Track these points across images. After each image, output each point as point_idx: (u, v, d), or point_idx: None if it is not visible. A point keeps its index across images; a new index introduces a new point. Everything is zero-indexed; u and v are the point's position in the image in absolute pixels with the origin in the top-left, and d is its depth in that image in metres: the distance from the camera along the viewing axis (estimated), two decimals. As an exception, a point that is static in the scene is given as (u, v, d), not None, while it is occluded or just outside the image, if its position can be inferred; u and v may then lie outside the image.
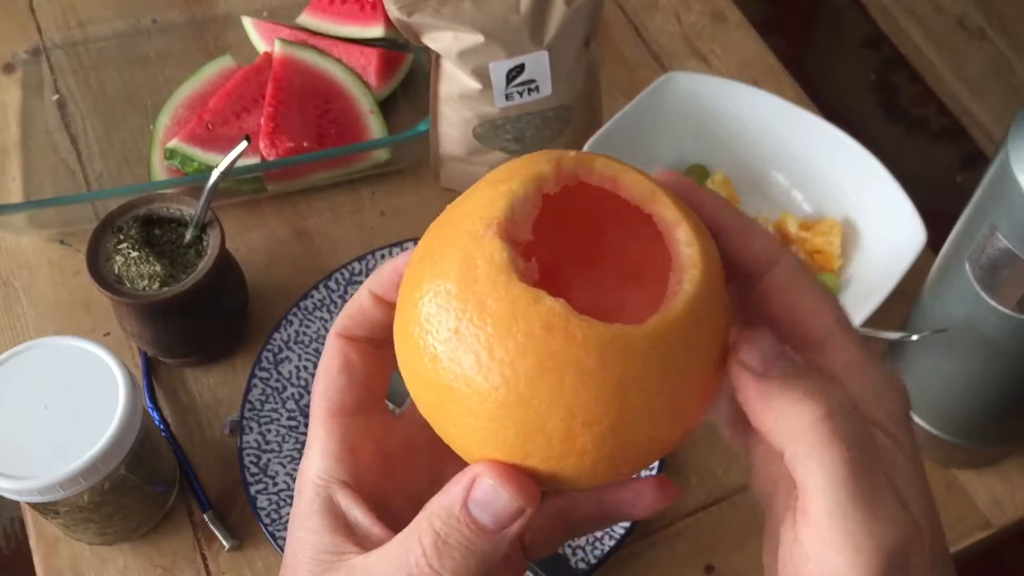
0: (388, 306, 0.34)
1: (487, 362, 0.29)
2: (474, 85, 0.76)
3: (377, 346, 0.36)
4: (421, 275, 0.31)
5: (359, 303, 0.35)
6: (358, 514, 0.33)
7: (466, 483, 0.30)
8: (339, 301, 0.76)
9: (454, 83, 0.77)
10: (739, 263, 0.33)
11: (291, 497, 0.68)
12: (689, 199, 0.33)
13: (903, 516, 0.29)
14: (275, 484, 0.69)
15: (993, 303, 0.58)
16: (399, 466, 0.36)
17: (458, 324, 0.29)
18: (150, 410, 0.73)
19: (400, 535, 0.31)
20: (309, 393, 0.73)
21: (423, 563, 0.30)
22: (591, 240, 0.37)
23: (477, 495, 0.29)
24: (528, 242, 0.31)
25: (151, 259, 0.69)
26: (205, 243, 0.70)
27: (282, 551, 0.66)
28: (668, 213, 0.32)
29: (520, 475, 0.29)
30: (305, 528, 0.33)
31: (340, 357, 0.35)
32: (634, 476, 0.35)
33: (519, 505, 0.29)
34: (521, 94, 0.77)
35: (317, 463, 0.34)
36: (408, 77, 0.90)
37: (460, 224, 0.31)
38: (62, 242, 0.82)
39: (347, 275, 0.77)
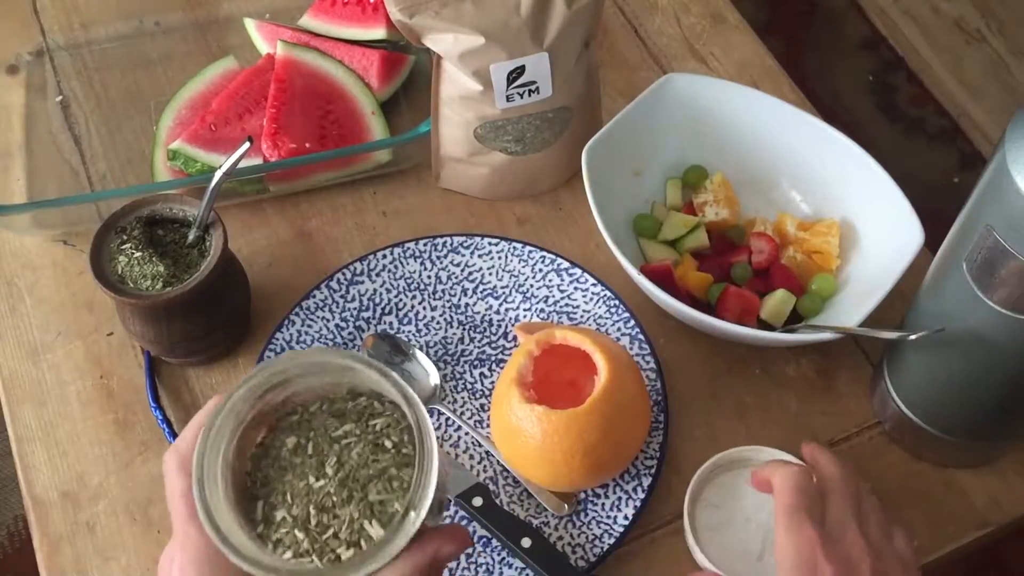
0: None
1: (529, 432, 0.65)
2: (475, 86, 0.77)
3: None
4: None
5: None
6: None
7: None
8: (340, 301, 0.77)
9: (455, 84, 0.78)
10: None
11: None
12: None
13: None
14: (278, 482, 0.69)
15: (990, 303, 0.58)
16: None
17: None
18: (153, 410, 0.73)
19: None
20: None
21: None
22: (561, 367, 0.69)
23: None
24: (531, 382, 0.67)
25: (154, 259, 0.69)
26: (208, 243, 0.71)
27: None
28: (590, 348, 0.66)
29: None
30: None
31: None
32: (600, 484, 0.69)
33: None
34: (522, 95, 0.77)
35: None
36: (409, 79, 0.90)
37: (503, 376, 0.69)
38: (65, 242, 0.82)
39: (349, 275, 0.78)
